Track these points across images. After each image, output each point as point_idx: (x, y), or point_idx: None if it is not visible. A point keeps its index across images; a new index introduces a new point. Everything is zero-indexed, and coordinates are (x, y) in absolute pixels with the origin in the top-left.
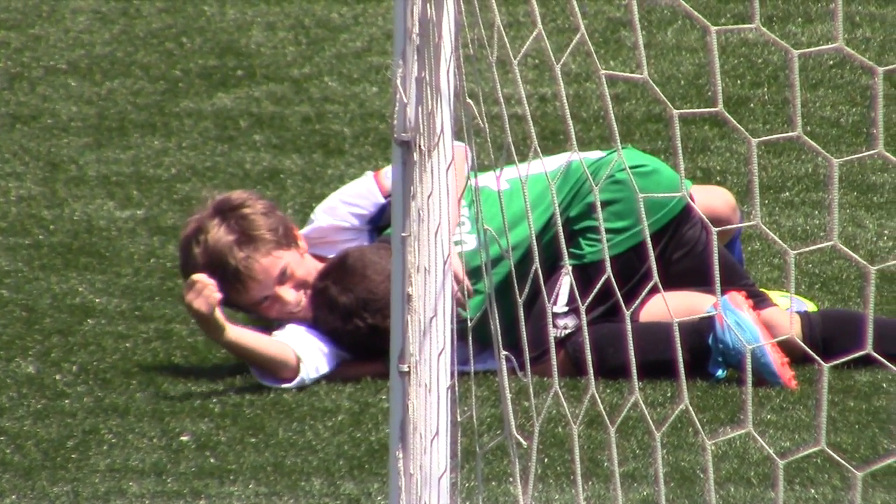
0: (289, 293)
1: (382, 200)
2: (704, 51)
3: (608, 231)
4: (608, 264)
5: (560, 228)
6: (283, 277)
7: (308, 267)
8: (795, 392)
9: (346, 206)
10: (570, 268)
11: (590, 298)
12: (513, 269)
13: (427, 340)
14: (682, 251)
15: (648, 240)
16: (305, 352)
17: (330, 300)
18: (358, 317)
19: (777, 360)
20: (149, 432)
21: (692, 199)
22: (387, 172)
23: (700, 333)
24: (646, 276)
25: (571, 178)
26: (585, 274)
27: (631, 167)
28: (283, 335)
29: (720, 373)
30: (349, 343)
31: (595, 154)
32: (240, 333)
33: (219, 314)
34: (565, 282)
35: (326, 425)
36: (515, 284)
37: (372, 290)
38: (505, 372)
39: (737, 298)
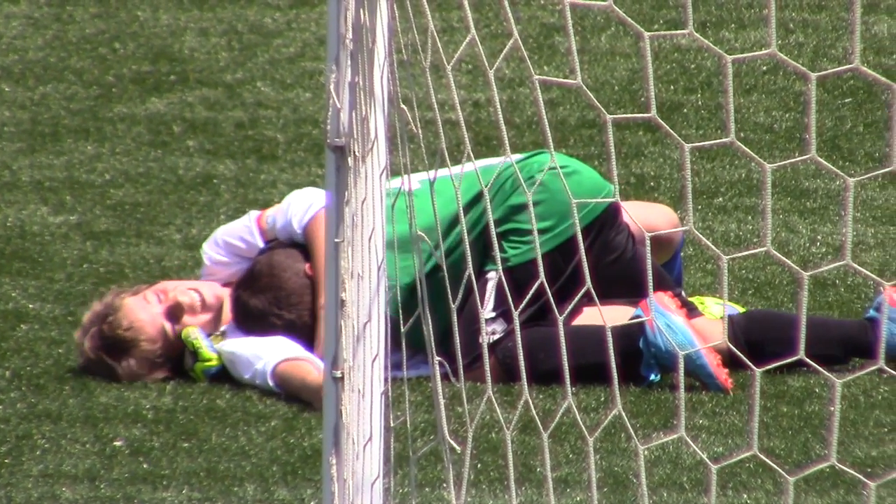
0: (206, 325)
1: (262, 245)
2: (638, 56)
3: (531, 233)
4: (541, 266)
5: (493, 231)
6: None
7: (216, 293)
8: (728, 397)
9: (227, 244)
10: (496, 272)
11: (523, 304)
12: (445, 271)
13: (360, 346)
14: (611, 257)
15: (580, 236)
16: (303, 352)
17: (244, 307)
18: (273, 315)
19: (713, 362)
20: (82, 438)
21: (618, 200)
22: (269, 216)
23: (630, 337)
24: (573, 276)
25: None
26: (511, 277)
27: (552, 168)
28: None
29: (653, 376)
30: None
31: (515, 157)
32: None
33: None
34: (491, 286)
35: (260, 430)
36: (449, 289)
37: (280, 287)
38: (438, 377)
39: (664, 299)
